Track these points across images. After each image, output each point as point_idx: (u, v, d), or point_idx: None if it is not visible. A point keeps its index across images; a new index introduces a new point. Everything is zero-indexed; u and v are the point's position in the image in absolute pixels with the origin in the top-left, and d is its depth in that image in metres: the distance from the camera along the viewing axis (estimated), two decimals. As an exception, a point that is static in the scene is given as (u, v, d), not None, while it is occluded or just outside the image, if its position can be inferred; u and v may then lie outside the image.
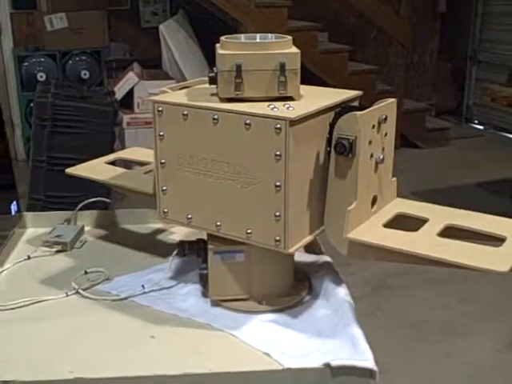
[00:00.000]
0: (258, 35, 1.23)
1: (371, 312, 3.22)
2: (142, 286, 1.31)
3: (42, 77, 5.30)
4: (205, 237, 1.27)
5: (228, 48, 1.18)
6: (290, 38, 1.20)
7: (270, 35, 1.22)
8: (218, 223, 1.19)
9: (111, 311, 1.26)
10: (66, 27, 5.38)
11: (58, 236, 1.50)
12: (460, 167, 5.45)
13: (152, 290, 1.31)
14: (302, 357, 1.09)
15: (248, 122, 1.11)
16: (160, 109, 1.19)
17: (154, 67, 5.68)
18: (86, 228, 1.60)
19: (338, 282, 1.29)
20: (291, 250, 1.15)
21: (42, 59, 5.42)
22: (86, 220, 1.61)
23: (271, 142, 1.10)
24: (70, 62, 5.49)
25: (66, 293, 1.31)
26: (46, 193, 3.99)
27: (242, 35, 1.22)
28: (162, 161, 1.22)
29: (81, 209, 1.57)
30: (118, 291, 1.32)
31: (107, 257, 1.48)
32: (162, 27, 5.54)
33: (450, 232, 1.18)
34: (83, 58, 5.52)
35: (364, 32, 6.34)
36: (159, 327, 1.20)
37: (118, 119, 4.91)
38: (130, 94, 5.28)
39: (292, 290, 1.29)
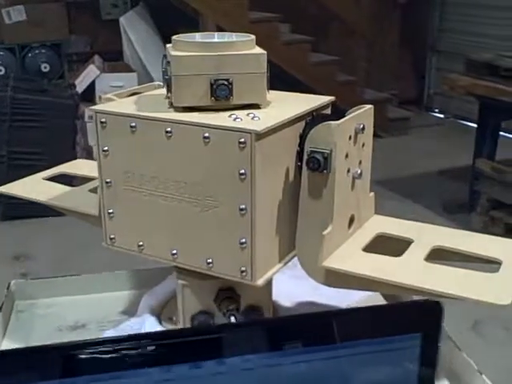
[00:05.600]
0: (215, 34, 1.03)
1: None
2: None
3: (0, 71, 5.04)
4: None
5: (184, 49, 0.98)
6: (253, 36, 1.01)
7: (227, 34, 1.03)
8: (174, 251, 1.00)
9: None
10: (24, 20, 5.12)
11: None
12: (421, 155, 5.34)
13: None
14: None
15: (206, 135, 0.92)
16: (103, 120, 0.98)
17: (115, 60, 5.44)
18: None
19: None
20: (259, 282, 0.96)
21: (1, 53, 5.18)
22: None
23: (234, 158, 0.91)
24: (30, 55, 5.24)
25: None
26: (8, 189, 3.78)
27: (197, 34, 1.03)
28: (108, 180, 1.02)
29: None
30: None
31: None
32: (122, 19, 5.32)
33: (437, 254, 1.01)
34: (43, 51, 5.27)
35: (325, 23, 6.15)
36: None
37: (80, 112, 4.73)
38: (91, 87, 5.04)
39: None
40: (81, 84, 4.99)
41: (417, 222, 1.10)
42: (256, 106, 1.00)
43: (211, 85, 0.96)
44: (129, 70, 5.24)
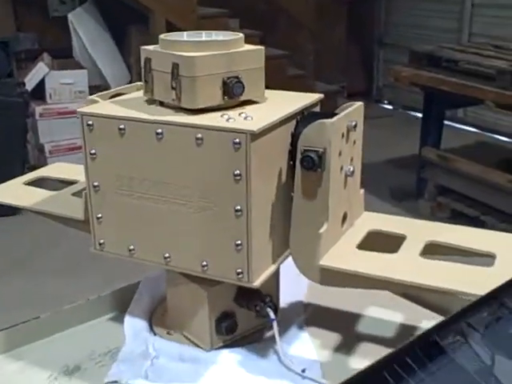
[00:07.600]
0: (203, 33, 0.99)
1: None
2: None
3: None
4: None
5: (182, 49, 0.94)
6: (241, 35, 0.98)
7: (214, 33, 1.00)
8: (167, 255, 0.96)
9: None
10: (-31, 18, 4.95)
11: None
12: (371, 146, 5.31)
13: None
14: None
15: (199, 136, 0.88)
16: (90, 122, 0.94)
17: (64, 57, 5.29)
18: None
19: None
20: (256, 284, 0.93)
21: None
22: None
23: (229, 159, 0.87)
24: (-24, 54, 5.04)
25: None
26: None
27: (185, 33, 0.98)
28: (95, 184, 0.97)
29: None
30: None
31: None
32: (70, 16, 5.19)
33: (431, 249, 0.99)
34: (-10, 49, 5.08)
35: (273, 18, 6.12)
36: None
37: (30, 110, 4.60)
38: (41, 85, 4.91)
39: None
40: (30, 82, 4.85)
41: (406, 218, 1.08)
42: (251, 103, 0.97)
43: (224, 83, 0.92)
44: (79, 67, 5.12)
